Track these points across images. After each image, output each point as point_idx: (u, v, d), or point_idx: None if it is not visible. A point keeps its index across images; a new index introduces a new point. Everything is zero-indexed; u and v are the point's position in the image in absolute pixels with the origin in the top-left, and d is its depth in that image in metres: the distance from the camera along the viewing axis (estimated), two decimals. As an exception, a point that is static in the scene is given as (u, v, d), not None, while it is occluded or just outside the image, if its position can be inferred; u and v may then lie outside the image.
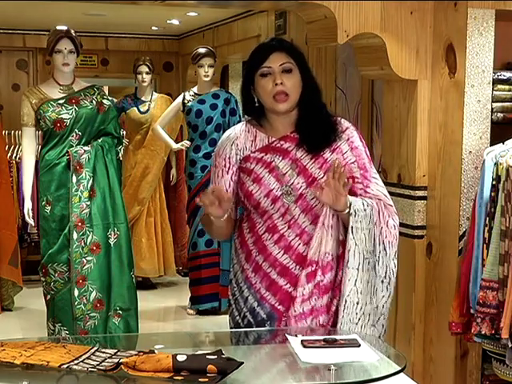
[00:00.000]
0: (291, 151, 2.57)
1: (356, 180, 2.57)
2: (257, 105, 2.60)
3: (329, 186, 2.42)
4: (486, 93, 3.54)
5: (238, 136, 2.63)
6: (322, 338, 2.25)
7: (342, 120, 2.65)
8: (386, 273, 2.56)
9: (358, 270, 2.49)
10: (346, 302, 2.48)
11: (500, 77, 3.61)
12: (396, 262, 2.60)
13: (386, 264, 2.56)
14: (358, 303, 2.49)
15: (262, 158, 2.58)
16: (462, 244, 3.50)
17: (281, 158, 2.56)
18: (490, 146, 3.45)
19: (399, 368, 2.06)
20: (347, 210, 2.47)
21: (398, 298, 3.87)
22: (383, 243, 2.56)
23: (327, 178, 2.44)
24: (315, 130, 2.57)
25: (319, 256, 2.50)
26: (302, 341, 2.22)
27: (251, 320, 2.59)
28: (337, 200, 2.44)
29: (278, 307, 2.54)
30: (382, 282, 2.56)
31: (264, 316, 2.56)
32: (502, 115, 3.61)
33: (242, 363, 1.97)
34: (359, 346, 2.20)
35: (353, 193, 2.57)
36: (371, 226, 2.52)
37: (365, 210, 2.50)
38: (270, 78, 2.53)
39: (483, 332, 3.15)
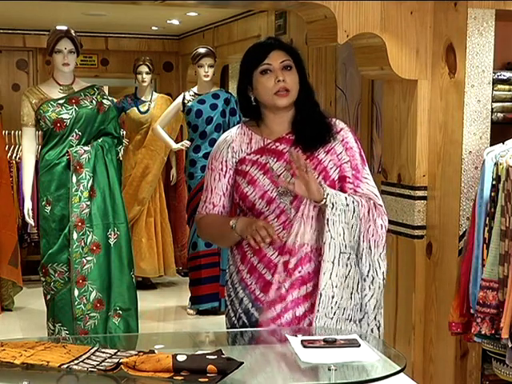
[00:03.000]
0: (286, 153, 2.57)
1: (347, 180, 2.58)
2: (254, 104, 2.60)
3: (298, 178, 2.41)
4: (485, 93, 3.54)
5: (234, 139, 2.63)
6: (322, 338, 2.25)
7: (337, 121, 2.66)
8: (368, 271, 2.56)
9: (333, 263, 2.47)
10: (321, 295, 2.46)
11: (500, 77, 3.61)
12: (383, 263, 2.58)
13: (369, 263, 2.55)
14: (333, 297, 2.47)
15: (257, 160, 2.58)
16: (462, 244, 3.50)
17: (275, 160, 2.57)
18: (490, 146, 3.45)
19: (399, 368, 2.06)
20: (324, 201, 2.46)
21: (398, 298, 3.87)
22: (369, 241, 2.55)
23: (293, 170, 2.42)
24: (310, 130, 2.57)
25: (294, 246, 2.49)
26: (302, 341, 2.22)
27: (246, 321, 2.59)
28: (309, 189, 2.42)
29: None
30: (365, 280, 2.56)
31: (258, 317, 2.55)
32: (502, 115, 3.61)
33: (242, 363, 1.97)
34: (359, 345, 2.20)
35: (343, 192, 2.57)
36: (354, 221, 2.50)
37: (347, 204, 2.48)
38: (271, 75, 2.53)
39: (483, 332, 3.15)
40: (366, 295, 2.56)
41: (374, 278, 2.57)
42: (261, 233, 2.39)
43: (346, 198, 2.50)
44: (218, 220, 2.64)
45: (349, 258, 2.51)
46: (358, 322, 2.55)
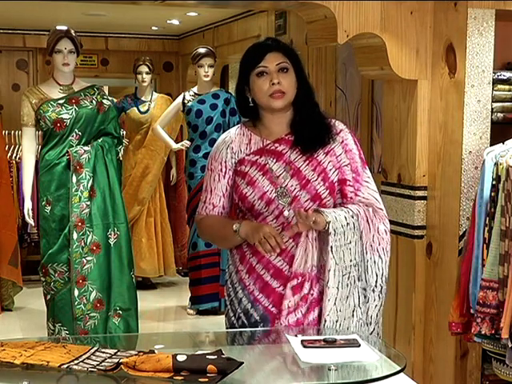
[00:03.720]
0: (285, 153, 2.57)
1: (348, 183, 2.58)
2: (251, 105, 2.60)
3: (300, 220, 2.42)
4: (485, 93, 3.54)
5: (233, 139, 2.63)
6: (322, 337, 2.25)
7: (337, 122, 2.65)
8: (376, 281, 2.55)
9: (337, 288, 2.47)
10: (325, 321, 2.47)
11: (500, 77, 3.62)
12: (388, 269, 2.59)
13: (375, 272, 2.55)
14: (336, 321, 2.48)
15: (257, 161, 2.58)
16: (462, 244, 3.50)
17: (275, 161, 2.56)
18: (490, 146, 3.45)
19: (399, 368, 2.06)
20: (326, 227, 2.45)
21: (398, 298, 3.87)
22: (377, 251, 2.55)
23: (296, 219, 2.43)
24: (310, 131, 2.56)
25: (305, 269, 2.49)
26: (302, 341, 2.23)
27: (245, 321, 2.59)
28: (313, 225, 2.43)
29: (272, 309, 2.54)
30: (373, 290, 2.55)
31: (257, 318, 2.56)
32: (502, 115, 3.61)
33: (242, 363, 1.97)
34: (359, 345, 2.20)
35: (343, 195, 2.57)
36: (356, 237, 2.50)
37: (347, 224, 2.48)
38: (267, 78, 2.53)
39: (483, 332, 3.15)
40: (376, 306, 2.56)
41: (382, 287, 2.57)
42: (270, 242, 2.39)
43: (345, 218, 2.49)
44: (220, 222, 2.63)
45: (348, 278, 2.49)
46: (361, 333, 2.55)
